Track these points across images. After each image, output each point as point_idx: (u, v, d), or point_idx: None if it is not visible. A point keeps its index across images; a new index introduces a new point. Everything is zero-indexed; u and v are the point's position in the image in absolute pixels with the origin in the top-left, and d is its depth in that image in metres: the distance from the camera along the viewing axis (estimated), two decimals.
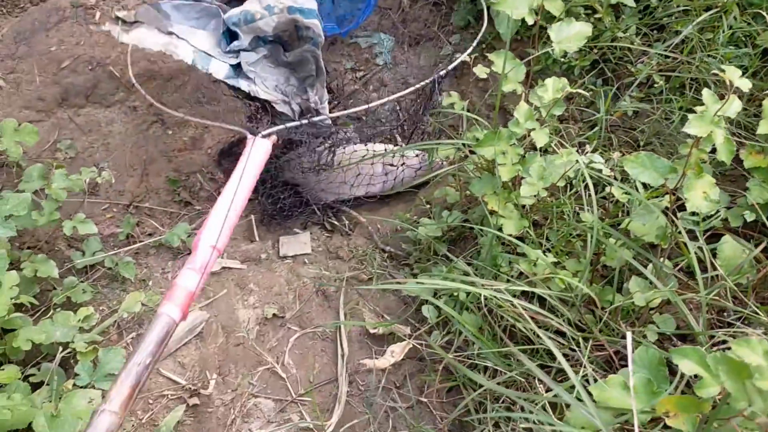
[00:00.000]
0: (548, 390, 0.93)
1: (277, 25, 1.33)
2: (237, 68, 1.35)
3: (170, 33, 1.34)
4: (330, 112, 1.58)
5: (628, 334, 0.60)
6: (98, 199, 1.44)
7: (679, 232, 0.89)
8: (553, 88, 0.95)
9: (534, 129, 0.96)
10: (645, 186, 0.99)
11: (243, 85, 1.32)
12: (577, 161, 0.93)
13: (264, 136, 1.17)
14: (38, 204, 1.23)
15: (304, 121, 1.27)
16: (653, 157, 0.88)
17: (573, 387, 0.89)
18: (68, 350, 1.10)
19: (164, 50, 1.29)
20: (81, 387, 1.06)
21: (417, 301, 1.21)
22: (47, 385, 1.07)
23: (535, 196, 1.02)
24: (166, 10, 1.35)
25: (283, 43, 1.38)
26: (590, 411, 0.51)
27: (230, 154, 1.50)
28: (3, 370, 1.01)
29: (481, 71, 1.22)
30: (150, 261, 1.35)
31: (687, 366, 0.63)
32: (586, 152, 0.98)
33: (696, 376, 0.65)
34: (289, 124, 1.26)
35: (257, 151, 1.10)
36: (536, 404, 0.86)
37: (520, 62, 1.04)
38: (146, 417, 1.12)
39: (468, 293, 1.09)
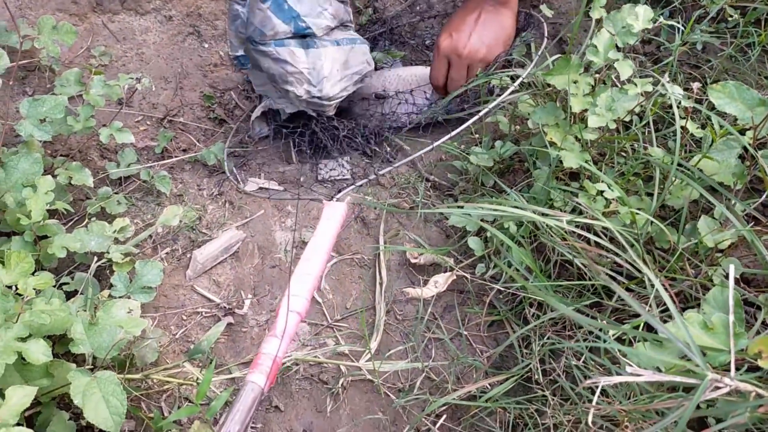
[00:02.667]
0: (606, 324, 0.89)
1: None
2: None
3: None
4: (374, 41, 1.51)
5: (731, 267, 0.56)
6: (131, 110, 1.39)
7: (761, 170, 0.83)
8: (644, 17, 0.87)
9: (617, 60, 0.89)
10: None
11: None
12: (655, 90, 0.87)
13: (338, 199, 1.21)
14: (72, 111, 1.18)
15: (372, 177, 1.29)
16: (742, 88, 0.82)
17: (637, 327, 0.86)
18: (103, 260, 1.08)
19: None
20: (117, 298, 1.03)
21: (461, 232, 1.17)
22: (81, 294, 1.05)
23: (601, 128, 0.96)
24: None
25: None
26: (692, 347, 0.47)
27: None
28: (37, 276, 0.98)
29: (547, 10, 1.17)
30: (185, 176, 1.31)
31: None
32: (663, 83, 0.91)
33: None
34: (358, 183, 1.28)
35: (332, 216, 1.12)
36: (611, 335, 0.83)
37: None
38: (180, 333, 1.10)
39: (519, 225, 1.04)
